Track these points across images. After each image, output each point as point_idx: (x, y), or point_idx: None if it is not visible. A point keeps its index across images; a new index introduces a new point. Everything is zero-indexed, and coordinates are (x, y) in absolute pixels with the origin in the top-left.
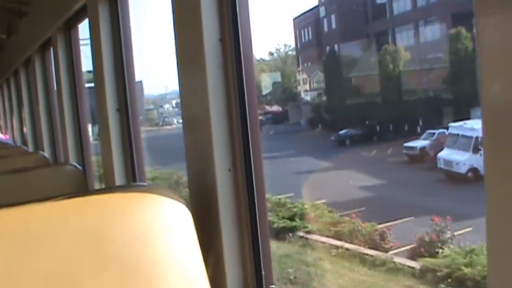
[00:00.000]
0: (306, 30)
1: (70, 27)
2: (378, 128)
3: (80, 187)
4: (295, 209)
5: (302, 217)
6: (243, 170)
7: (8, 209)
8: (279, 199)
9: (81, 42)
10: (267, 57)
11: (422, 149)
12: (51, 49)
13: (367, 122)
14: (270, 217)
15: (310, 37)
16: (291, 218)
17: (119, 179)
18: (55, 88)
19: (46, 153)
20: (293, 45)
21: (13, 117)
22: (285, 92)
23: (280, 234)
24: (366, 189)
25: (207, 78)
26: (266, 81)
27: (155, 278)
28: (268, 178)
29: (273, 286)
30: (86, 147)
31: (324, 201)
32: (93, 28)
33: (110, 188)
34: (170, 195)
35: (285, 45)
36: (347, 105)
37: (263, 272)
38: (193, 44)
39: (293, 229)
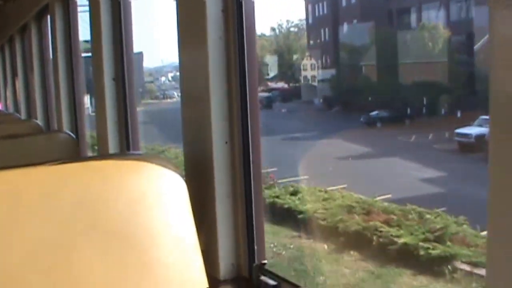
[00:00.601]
0: (320, 4)
1: (69, 2)
2: (410, 111)
3: (74, 155)
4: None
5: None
6: (240, 143)
7: (0, 172)
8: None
9: (79, 9)
10: (268, 32)
11: (479, 137)
12: (48, 16)
13: (398, 104)
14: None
15: (325, 11)
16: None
17: (112, 149)
18: (51, 57)
19: (39, 121)
20: (295, 21)
21: (6, 85)
22: (291, 69)
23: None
24: (430, 182)
25: (208, 50)
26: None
27: (148, 246)
28: (304, 163)
29: (265, 261)
30: (80, 116)
31: (389, 196)
32: (92, 11)
33: (105, 155)
34: (166, 165)
35: (287, 21)
36: (372, 85)
37: (255, 247)
38: (194, 15)
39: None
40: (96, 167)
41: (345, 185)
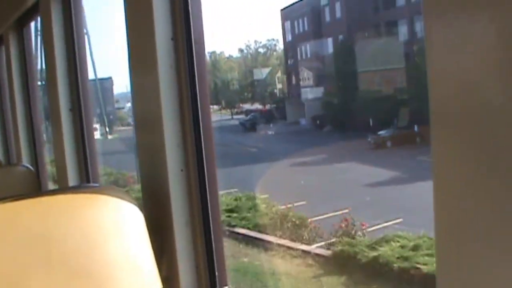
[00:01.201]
0: (299, 21)
1: (22, 25)
2: (417, 128)
3: (33, 188)
4: None
5: None
6: (195, 170)
7: None
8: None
9: None
10: (236, 54)
11: None
12: (3, 48)
13: (404, 122)
14: None
15: (306, 28)
16: None
17: (72, 180)
18: (7, 88)
19: None
20: (263, 41)
21: None
22: (267, 90)
23: None
24: None
25: (159, 77)
26: (243, 78)
27: (107, 279)
28: (333, 192)
29: (226, 287)
30: (39, 148)
31: None
32: (45, 26)
33: (61, 189)
34: (122, 196)
35: (255, 41)
36: (369, 102)
37: (216, 273)
38: (145, 43)
39: None
40: (53, 201)
41: (399, 219)
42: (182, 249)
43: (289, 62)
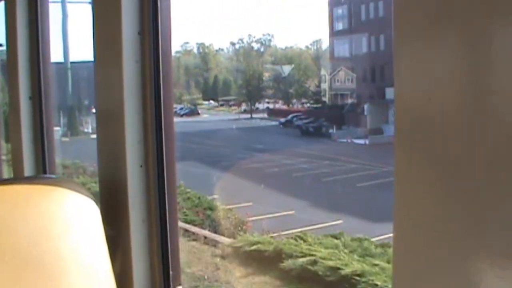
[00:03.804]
0: (363, 7)
1: None
2: None
3: None
4: None
5: None
6: (155, 166)
7: None
8: None
9: None
10: (226, 47)
11: None
12: None
13: None
14: None
15: (381, 13)
16: None
17: (28, 170)
18: None
19: None
20: (258, 36)
21: None
22: (299, 87)
23: None
24: None
25: (123, 72)
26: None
27: (57, 273)
28: None
29: (179, 286)
30: None
31: None
32: (8, 11)
33: (17, 178)
34: (78, 189)
35: (249, 35)
36: None
37: (171, 272)
38: (111, 36)
39: None
40: (6, 191)
41: None
42: (137, 246)
43: (349, 55)
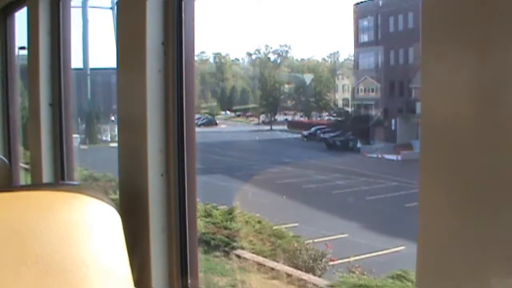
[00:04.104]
0: (392, 18)
1: (6, 14)
2: None
3: (5, 180)
4: None
5: None
6: (176, 176)
7: None
8: None
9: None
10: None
11: None
12: None
13: None
14: None
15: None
16: None
17: (47, 176)
18: None
19: None
20: (275, 46)
21: None
22: (320, 99)
23: None
24: None
25: (146, 81)
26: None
27: (79, 279)
28: None
29: None
30: (13, 140)
31: None
32: (31, 17)
33: (39, 184)
34: (100, 197)
35: (266, 45)
36: None
37: (189, 281)
38: (135, 45)
39: None
40: (30, 197)
41: None
42: (156, 255)
43: (374, 67)
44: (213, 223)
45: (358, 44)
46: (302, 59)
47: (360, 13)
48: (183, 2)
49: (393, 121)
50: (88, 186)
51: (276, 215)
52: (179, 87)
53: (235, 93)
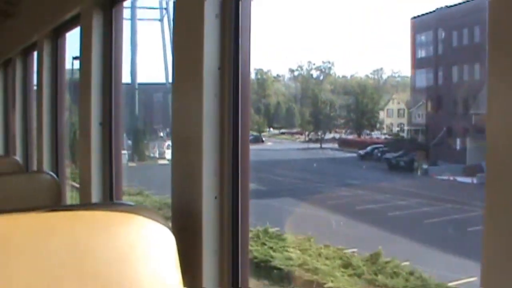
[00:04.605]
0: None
1: (58, 34)
2: None
3: (55, 196)
4: None
5: None
6: (229, 198)
7: None
8: None
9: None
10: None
11: None
12: (35, 54)
13: None
14: None
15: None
16: None
17: (95, 195)
18: (35, 95)
19: (18, 158)
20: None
21: None
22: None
23: None
24: None
25: (202, 104)
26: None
27: None
28: None
29: None
30: (61, 156)
31: None
32: (84, 38)
33: (93, 204)
34: (155, 217)
35: (309, 62)
36: None
37: None
38: (191, 70)
39: None
40: (85, 216)
41: None
42: (208, 277)
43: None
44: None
45: (414, 61)
46: (344, 76)
47: (417, 27)
48: (240, 27)
49: (458, 141)
50: (143, 207)
51: (375, 249)
52: (235, 111)
53: (279, 109)
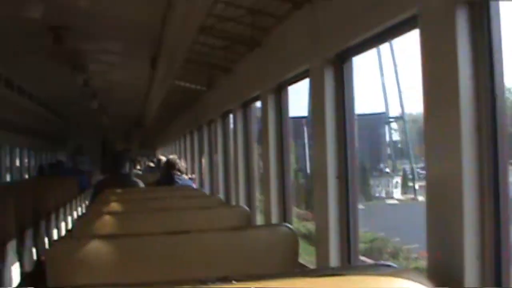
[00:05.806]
0: None
1: (281, 89)
2: None
3: (247, 224)
4: None
5: None
6: (492, 259)
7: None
8: None
9: None
10: None
11: None
12: (231, 116)
13: None
14: None
15: None
16: None
17: (333, 254)
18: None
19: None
20: None
21: (194, 163)
22: None
23: None
24: None
25: (460, 140)
26: None
27: None
28: None
29: None
30: (252, 192)
31: None
32: (314, 91)
33: (353, 267)
34: (421, 281)
35: None
36: None
37: None
38: (448, 130)
39: None
40: (346, 280)
41: None
42: None
43: None
44: None
45: None
46: None
47: None
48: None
49: None
50: (409, 270)
51: None
52: (493, 145)
53: None
